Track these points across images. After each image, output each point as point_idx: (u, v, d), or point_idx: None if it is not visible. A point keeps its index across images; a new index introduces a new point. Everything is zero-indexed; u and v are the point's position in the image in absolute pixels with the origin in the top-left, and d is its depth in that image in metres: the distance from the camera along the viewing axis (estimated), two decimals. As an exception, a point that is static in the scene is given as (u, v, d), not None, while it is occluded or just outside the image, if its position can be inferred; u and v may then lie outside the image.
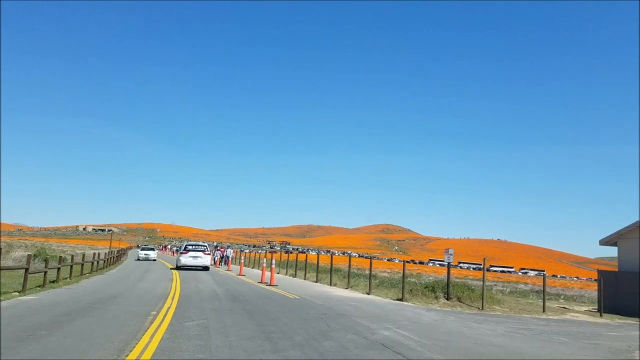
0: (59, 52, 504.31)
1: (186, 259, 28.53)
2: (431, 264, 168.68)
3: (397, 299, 16.74)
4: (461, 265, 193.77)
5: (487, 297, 16.50)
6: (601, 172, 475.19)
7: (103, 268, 27.75)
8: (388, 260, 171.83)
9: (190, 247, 29.81)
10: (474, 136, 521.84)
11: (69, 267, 19.84)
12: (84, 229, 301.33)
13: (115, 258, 37.52)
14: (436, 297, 16.58)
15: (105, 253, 36.29)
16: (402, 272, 17.53)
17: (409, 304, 15.77)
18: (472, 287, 18.42)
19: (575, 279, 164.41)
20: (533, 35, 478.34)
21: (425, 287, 17.62)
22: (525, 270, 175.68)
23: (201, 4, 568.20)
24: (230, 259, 40.42)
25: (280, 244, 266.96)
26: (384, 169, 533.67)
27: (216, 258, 41.88)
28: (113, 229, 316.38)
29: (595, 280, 29.47)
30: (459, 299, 16.51)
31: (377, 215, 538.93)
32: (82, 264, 22.36)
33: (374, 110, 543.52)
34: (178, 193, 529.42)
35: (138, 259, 44.57)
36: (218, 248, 47.95)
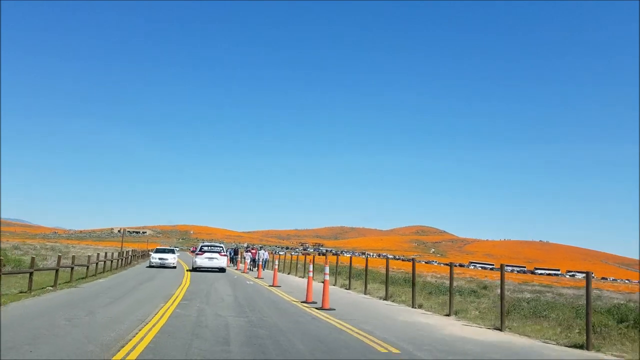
0: (83, 59, 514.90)
1: (201, 261, 27.08)
2: (472, 267, 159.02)
3: (576, 345, 8.71)
4: (504, 269, 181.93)
5: None
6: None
7: (95, 275, 20.98)
8: (426, 262, 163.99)
9: (205, 248, 28.23)
10: (512, 135, 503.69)
11: (28, 274, 13.16)
12: (119, 231, 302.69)
13: (124, 261, 31.00)
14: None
15: (115, 254, 30.00)
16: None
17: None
18: None
19: (626, 281, 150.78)
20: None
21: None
22: (572, 273, 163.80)
23: (201, 4, 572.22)
24: (263, 263, 32.91)
25: (313, 245, 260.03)
26: (418, 169, 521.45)
27: (247, 261, 35.26)
28: (147, 231, 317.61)
29: None
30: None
31: (411, 216, 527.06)
32: (57, 270, 15.57)
33: (405, 111, 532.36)
34: (211, 195, 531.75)
35: (151, 266, 31.39)
36: (249, 249, 40.80)
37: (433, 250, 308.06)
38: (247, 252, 37.53)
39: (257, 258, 32.97)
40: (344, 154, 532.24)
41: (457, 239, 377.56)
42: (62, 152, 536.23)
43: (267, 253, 36.85)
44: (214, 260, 27.10)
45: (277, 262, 21.59)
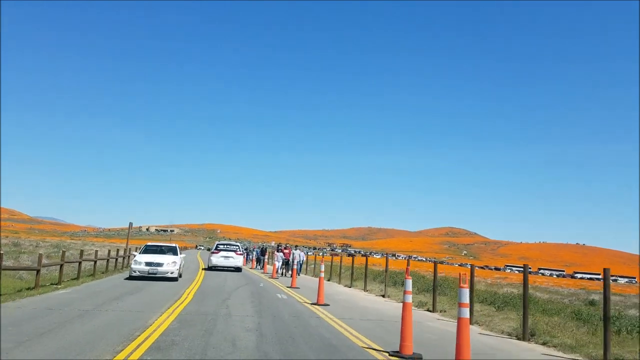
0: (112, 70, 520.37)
1: (217, 259, 26.42)
2: (508, 270, 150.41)
3: None
4: (542, 272, 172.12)
5: None
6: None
7: (59, 284, 14.65)
8: (459, 265, 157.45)
9: (221, 247, 27.26)
10: (545, 134, 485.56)
11: None
12: (147, 229, 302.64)
13: (123, 262, 24.75)
14: None
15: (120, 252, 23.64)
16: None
17: None
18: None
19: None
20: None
21: None
22: (614, 278, 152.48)
23: (203, 4, 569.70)
24: (298, 266, 26.00)
25: (341, 246, 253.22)
26: (447, 170, 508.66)
27: (277, 264, 27.33)
28: (175, 229, 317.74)
29: None
30: None
31: (441, 218, 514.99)
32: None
33: (435, 112, 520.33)
34: (239, 195, 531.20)
35: (132, 277, 17.85)
36: (280, 248, 30.67)
37: (465, 252, 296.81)
38: (277, 251, 29.54)
39: (290, 260, 25.86)
40: (372, 154, 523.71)
41: (490, 242, 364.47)
42: (98, 154, 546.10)
43: (303, 254, 29.06)
44: (230, 259, 26.21)
45: (322, 266, 14.63)
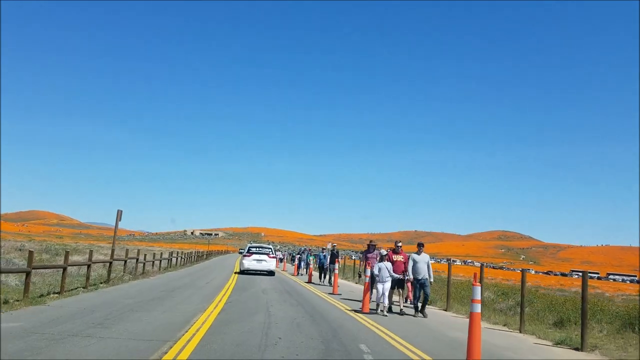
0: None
1: (249, 263, 24.99)
2: (576, 276, 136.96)
3: None
4: (613, 277, 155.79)
5: None
6: None
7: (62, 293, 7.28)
8: (522, 271, 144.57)
9: (253, 250, 25.97)
10: (604, 132, 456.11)
11: None
12: (192, 233, 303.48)
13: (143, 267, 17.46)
14: None
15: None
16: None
17: None
18: None
19: None
20: None
21: None
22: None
23: (207, 4, 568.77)
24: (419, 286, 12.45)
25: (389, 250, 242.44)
26: (497, 171, 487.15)
27: (330, 268, 21.21)
28: (219, 233, 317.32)
29: None
30: None
31: (490, 221, 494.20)
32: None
33: (482, 108, 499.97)
34: (283, 198, 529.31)
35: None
36: (334, 250, 22.22)
37: (523, 257, 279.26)
38: (331, 252, 21.43)
39: (391, 271, 12.36)
40: (420, 153, 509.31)
41: (550, 245, 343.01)
42: (150, 163, 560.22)
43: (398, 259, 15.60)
44: (262, 262, 25.25)
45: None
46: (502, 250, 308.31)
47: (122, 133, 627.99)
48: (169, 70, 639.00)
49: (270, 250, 26.73)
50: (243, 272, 25.23)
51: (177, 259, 30.21)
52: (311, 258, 27.98)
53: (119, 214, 16.29)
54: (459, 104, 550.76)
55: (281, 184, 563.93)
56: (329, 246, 24.56)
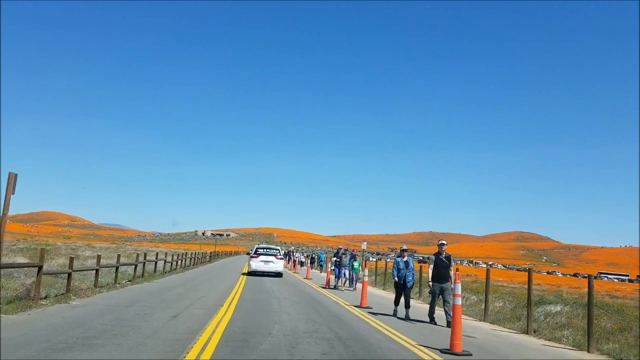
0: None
1: (257, 264, 25.27)
2: (605, 279, 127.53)
3: None
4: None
5: None
6: None
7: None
8: (548, 273, 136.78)
9: (261, 251, 26.17)
10: (617, 133, 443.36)
11: None
12: (203, 233, 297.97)
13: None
14: None
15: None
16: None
17: None
18: None
19: None
20: None
21: None
22: None
23: (211, 4, 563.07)
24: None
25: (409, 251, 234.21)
26: (512, 172, 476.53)
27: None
28: (231, 233, 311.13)
29: None
30: None
31: (507, 221, 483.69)
32: None
33: (497, 108, 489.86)
34: (296, 198, 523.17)
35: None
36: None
37: (545, 258, 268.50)
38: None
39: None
40: (433, 151, 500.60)
41: (572, 246, 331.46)
42: (163, 165, 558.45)
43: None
44: (270, 264, 25.13)
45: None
46: (522, 252, 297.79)
47: (136, 135, 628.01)
48: (183, 71, 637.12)
49: (277, 251, 26.79)
50: (251, 273, 25.35)
51: (156, 264, 21.59)
52: (355, 263, 20.21)
53: (11, 179, 8.44)
54: (476, 106, 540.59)
55: (295, 185, 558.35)
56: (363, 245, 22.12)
